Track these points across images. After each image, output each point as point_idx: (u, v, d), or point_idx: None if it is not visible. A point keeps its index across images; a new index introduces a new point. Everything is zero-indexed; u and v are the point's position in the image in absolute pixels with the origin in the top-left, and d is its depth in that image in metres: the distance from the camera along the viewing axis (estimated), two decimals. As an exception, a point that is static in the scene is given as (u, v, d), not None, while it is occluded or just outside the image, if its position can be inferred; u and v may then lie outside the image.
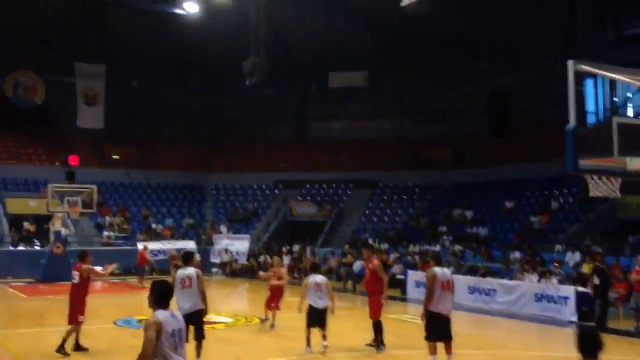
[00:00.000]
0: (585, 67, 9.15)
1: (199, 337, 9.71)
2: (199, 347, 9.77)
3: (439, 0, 18.63)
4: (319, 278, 11.45)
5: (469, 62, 30.67)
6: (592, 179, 9.63)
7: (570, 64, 8.85)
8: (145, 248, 26.25)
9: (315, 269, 12.20)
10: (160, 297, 5.53)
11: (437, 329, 9.63)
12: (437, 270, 9.83)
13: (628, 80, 9.41)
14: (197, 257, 27.64)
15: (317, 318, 11.16)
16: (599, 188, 9.65)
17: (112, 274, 11.63)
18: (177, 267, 26.73)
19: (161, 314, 5.41)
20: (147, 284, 19.70)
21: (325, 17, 29.26)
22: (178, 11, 28.65)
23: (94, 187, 27.22)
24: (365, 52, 31.63)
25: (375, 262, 12.09)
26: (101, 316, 15.63)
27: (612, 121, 9.44)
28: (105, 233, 29.48)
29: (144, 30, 30.99)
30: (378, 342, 11.66)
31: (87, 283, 11.52)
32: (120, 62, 33.01)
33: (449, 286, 9.74)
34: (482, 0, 25.56)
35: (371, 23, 29.26)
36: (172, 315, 5.49)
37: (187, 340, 9.02)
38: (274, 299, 14.07)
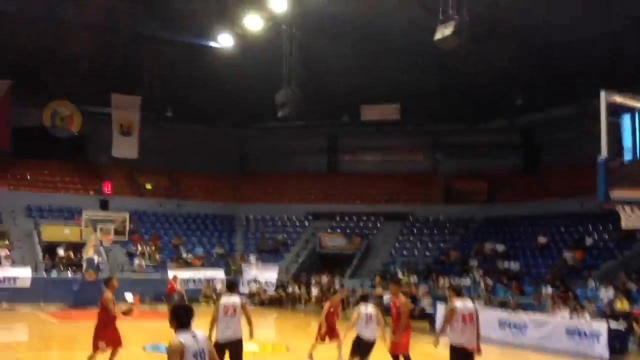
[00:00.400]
0: (619, 99, 9.10)
1: None
2: None
3: (472, 35, 18.68)
4: (370, 308, 11.14)
5: (503, 97, 30.59)
6: (624, 210, 9.51)
7: (602, 95, 8.82)
8: (175, 278, 26.46)
9: (365, 299, 11.85)
10: (180, 319, 5.56)
11: None
12: (457, 303, 9.58)
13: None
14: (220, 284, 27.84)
15: (364, 349, 10.87)
16: (630, 219, 9.52)
17: (125, 313, 11.45)
18: (214, 296, 27.01)
19: (182, 337, 5.43)
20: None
21: (358, 50, 29.50)
22: (212, 44, 29.19)
23: (127, 215, 27.60)
24: (398, 85, 31.72)
25: (402, 298, 11.63)
26: (131, 341, 15.69)
27: (644, 151, 9.34)
28: (137, 261, 29.75)
29: (178, 62, 31.62)
30: None
31: (108, 310, 11.32)
32: (155, 93, 33.67)
33: (471, 319, 9.42)
34: (517, 34, 25.50)
35: (404, 56, 29.41)
36: (194, 336, 5.50)
37: None
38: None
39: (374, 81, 31.43)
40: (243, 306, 9.71)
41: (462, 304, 9.57)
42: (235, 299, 9.72)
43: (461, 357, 9.37)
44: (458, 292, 10.00)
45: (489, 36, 24.71)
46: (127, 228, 27.49)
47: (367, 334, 10.95)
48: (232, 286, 10.36)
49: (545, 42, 25.41)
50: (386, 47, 28.56)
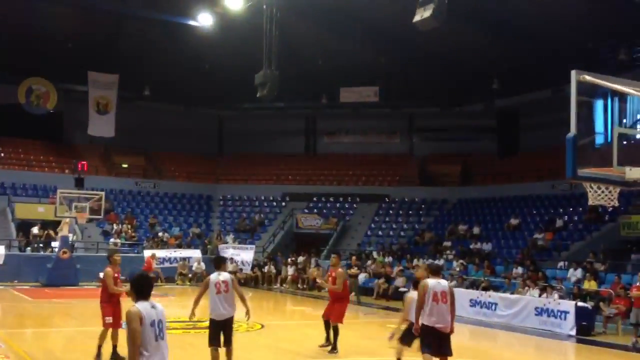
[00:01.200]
0: (589, 77, 9.29)
1: (228, 342, 9.43)
2: (229, 353, 9.49)
3: (451, 17, 18.79)
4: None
5: (480, 81, 30.90)
6: (592, 187, 9.79)
7: (573, 73, 9.00)
8: (154, 256, 26.48)
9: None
10: (140, 289, 5.68)
11: (432, 342, 8.97)
12: (430, 281, 9.12)
13: (632, 92, 9.50)
14: (202, 266, 27.96)
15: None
16: (597, 197, 9.81)
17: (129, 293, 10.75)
18: (182, 275, 27.02)
19: (141, 305, 5.54)
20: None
21: (338, 33, 29.54)
22: (192, 23, 29.01)
23: (102, 193, 27.51)
24: (377, 68, 31.88)
25: (340, 270, 12.45)
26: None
27: (613, 131, 9.61)
28: (112, 240, 29.70)
29: (157, 41, 31.39)
30: (334, 345, 11.99)
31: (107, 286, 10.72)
32: (132, 72, 33.41)
33: (444, 298, 8.99)
34: (495, 19, 25.73)
35: (383, 39, 29.51)
36: (153, 306, 5.60)
37: (219, 345, 9.26)
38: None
39: (353, 63, 31.55)
40: (233, 282, 9.51)
41: (435, 282, 9.12)
42: (225, 276, 9.44)
43: (433, 337, 8.97)
44: (435, 271, 9.57)
45: (466, 19, 24.92)
46: (103, 207, 27.37)
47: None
48: (219, 263, 9.84)
49: (522, 25, 25.67)
50: (366, 29, 28.66)
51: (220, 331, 9.31)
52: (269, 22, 23.82)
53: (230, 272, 29.94)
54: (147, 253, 27.65)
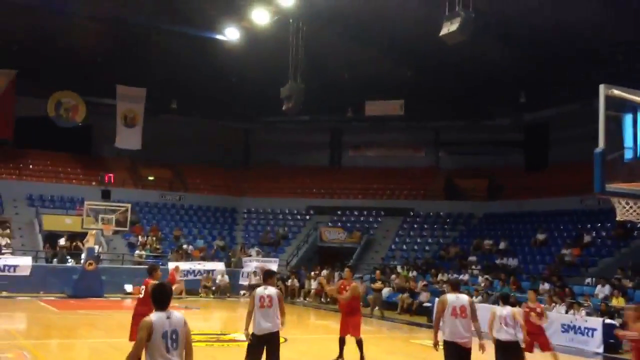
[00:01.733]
0: (617, 92, 9.17)
1: (274, 357, 9.03)
2: None
3: (477, 31, 18.69)
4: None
5: (507, 95, 30.67)
6: (620, 203, 9.61)
7: (601, 88, 8.88)
8: (177, 269, 26.57)
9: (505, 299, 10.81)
10: (157, 299, 5.82)
11: (451, 357, 8.98)
12: (449, 296, 9.22)
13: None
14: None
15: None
16: (625, 212, 9.62)
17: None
18: (206, 287, 27.12)
19: (155, 316, 5.66)
20: (176, 303, 19.88)
21: (363, 45, 29.56)
22: (219, 37, 29.27)
23: (129, 205, 27.76)
24: (402, 81, 31.81)
25: (353, 283, 12.63)
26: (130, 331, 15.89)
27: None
28: (137, 252, 29.92)
29: (184, 55, 31.70)
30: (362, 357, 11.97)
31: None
32: (160, 86, 33.77)
33: (463, 313, 8.99)
34: (521, 33, 25.53)
35: (409, 52, 29.46)
36: (169, 317, 5.68)
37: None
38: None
39: (378, 77, 31.52)
40: (279, 297, 9.18)
41: (454, 297, 9.11)
42: (270, 291, 9.13)
43: (453, 352, 8.96)
44: (454, 286, 9.74)
45: (493, 33, 24.77)
46: (129, 219, 27.61)
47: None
48: (267, 277, 9.47)
49: (551, 39, 25.43)
50: (391, 42, 28.61)
51: (262, 346, 9.01)
52: (294, 36, 24.00)
53: (253, 286, 29.88)
54: (171, 265, 27.78)
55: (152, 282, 10.60)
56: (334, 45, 29.77)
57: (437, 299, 20.13)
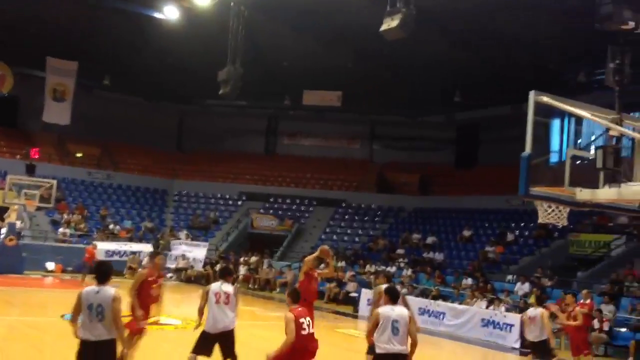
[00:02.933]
0: (546, 99, 9.47)
1: (229, 355, 8.53)
2: None
3: (417, 29, 18.93)
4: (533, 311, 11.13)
5: (442, 93, 31.25)
6: (542, 206, 9.98)
7: (531, 94, 9.17)
8: (95, 246, 25.77)
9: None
10: (97, 274, 6.53)
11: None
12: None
13: (588, 115, 9.71)
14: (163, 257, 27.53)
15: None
16: (547, 215, 10.01)
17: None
18: (131, 269, 26.54)
19: (87, 288, 6.37)
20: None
21: (305, 35, 29.50)
22: (157, 15, 28.61)
23: (54, 182, 26.91)
24: (342, 73, 31.93)
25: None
26: (50, 311, 15.49)
27: (566, 152, 9.80)
28: (61, 230, 29.07)
29: (120, 31, 30.82)
30: None
31: (145, 285, 9.43)
32: (93, 61, 32.74)
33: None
34: (460, 34, 26.04)
35: (350, 45, 29.58)
36: (98, 291, 6.30)
37: (201, 354, 8.46)
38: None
39: (318, 67, 31.52)
40: (236, 295, 8.67)
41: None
42: (228, 287, 8.62)
43: None
44: (389, 279, 9.92)
45: (432, 32, 25.16)
46: (54, 195, 26.75)
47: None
48: (224, 273, 8.94)
49: (486, 42, 26.04)
50: (333, 34, 28.65)
51: (213, 343, 8.54)
52: (235, 19, 23.65)
53: (181, 269, 29.36)
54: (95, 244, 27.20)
55: (143, 271, 10.22)
56: (275, 31, 29.59)
57: (364, 290, 20.47)
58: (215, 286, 8.66)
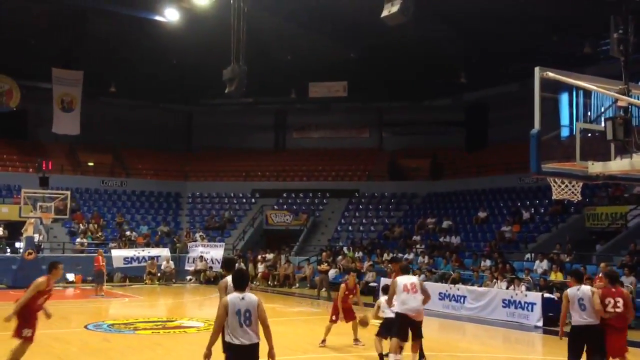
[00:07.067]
0: (551, 75, 9.39)
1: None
2: None
3: (418, 12, 18.80)
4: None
5: (448, 75, 31.06)
6: (555, 182, 9.91)
7: (536, 70, 9.09)
8: (100, 254, 25.59)
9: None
10: (237, 281, 7.00)
11: (400, 329, 10.03)
12: (399, 277, 10.28)
13: (594, 87, 9.62)
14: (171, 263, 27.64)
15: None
16: (561, 191, 9.93)
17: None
18: (151, 274, 26.56)
19: (230, 295, 6.82)
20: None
21: (306, 28, 29.41)
22: (158, 18, 28.62)
23: (68, 193, 27.06)
24: (345, 63, 31.84)
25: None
26: (73, 321, 15.61)
27: (576, 126, 9.71)
28: (79, 240, 29.25)
29: (122, 36, 30.88)
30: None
31: (38, 294, 9.85)
32: (98, 69, 32.86)
33: (413, 288, 10.02)
34: (461, 14, 25.85)
35: (351, 34, 29.47)
36: (243, 298, 6.70)
37: None
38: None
39: (321, 58, 31.45)
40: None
41: (405, 277, 10.29)
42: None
43: (400, 323, 10.01)
44: (404, 269, 10.75)
45: (434, 14, 25.00)
46: (69, 206, 26.92)
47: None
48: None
49: (488, 19, 25.81)
50: (334, 24, 28.55)
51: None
52: (236, 17, 23.57)
53: (200, 271, 29.40)
54: (113, 253, 27.33)
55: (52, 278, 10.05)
56: (277, 26, 29.51)
57: (382, 279, 20.44)
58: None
